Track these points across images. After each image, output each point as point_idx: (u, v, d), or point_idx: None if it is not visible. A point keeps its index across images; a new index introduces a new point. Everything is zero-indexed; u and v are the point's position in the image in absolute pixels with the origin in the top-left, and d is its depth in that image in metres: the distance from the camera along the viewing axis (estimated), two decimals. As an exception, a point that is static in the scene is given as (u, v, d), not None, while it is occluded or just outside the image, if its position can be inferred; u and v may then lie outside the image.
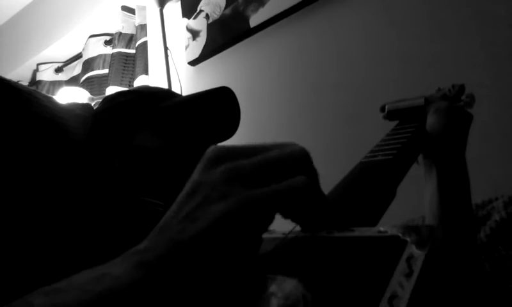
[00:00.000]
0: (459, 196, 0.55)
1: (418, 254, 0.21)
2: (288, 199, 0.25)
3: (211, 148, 0.27)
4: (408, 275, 0.19)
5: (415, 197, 0.85)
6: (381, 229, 0.24)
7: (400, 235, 0.23)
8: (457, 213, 0.54)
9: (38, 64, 2.38)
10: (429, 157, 0.58)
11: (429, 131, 0.57)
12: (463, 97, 0.65)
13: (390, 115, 0.62)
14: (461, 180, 0.56)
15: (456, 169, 0.56)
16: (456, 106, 0.60)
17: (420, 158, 0.60)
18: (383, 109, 0.64)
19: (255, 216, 0.23)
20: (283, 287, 0.22)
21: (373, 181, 0.39)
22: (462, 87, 0.65)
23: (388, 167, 0.42)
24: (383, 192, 0.38)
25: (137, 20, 1.98)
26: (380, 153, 0.45)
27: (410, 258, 0.20)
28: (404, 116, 0.60)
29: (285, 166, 0.25)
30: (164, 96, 0.58)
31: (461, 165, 0.57)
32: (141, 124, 0.53)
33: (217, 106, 0.59)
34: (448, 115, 0.57)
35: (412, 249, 0.21)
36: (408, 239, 0.22)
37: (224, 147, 0.27)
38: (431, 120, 0.57)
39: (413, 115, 0.59)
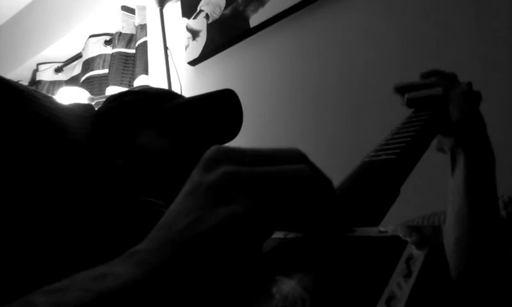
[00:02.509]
0: (490, 181, 0.57)
1: (418, 254, 0.20)
2: (291, 220, 0.25)
3: (211, 148, 0.26)
4: (407, 276, 0.19)
5: (417, 197, 0.85)
6: (382, 229, 0.24)
7: (400, 235, 0.22)
8: (489, 201, 0.56)
9: (38, 64, 2.38)
10: (458, 145, 0.58)
11: (455, 117, 0.57)
12: None
13: (408, 103, 0.61)
14: (491, 161, 0.58)
15: (486, 151, 0.58)
16: (471, 91, 0.60)
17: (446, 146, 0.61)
18: (398, 90, 0.63)
19: (256, 227, 0.23)
20: (281, 288, 0.22)
21: (376, 181, 0.39)
22: (469, 85, 0.65)
23: (391, 166, 0.41)
24: (386, 191, 0.38)
25: (137, 20, 1.98)
26: (383, 152, 0.45)
27: (410, 259, 0.20)
28: (422, 105, 0.59)
29: (286, 185, 0.25)
30: (167, 97, 0.58)
31: (489, 146, 0.59)
32: (144, 124, 0.53)
33: (221, 108, 0.59)
34: (470, 100, 0.58)
35: (412, 250, 0.21)
36: (408, 239, 0.22)
37: (224, 148, 0.26)
38: (455, 107, 0.57)
39: (431, 104, 0.59)
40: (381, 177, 0.39)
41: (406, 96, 0.61)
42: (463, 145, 0.58)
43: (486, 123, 0.60)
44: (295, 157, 0.27)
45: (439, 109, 0.57)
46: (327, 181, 0.27)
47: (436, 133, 0.57)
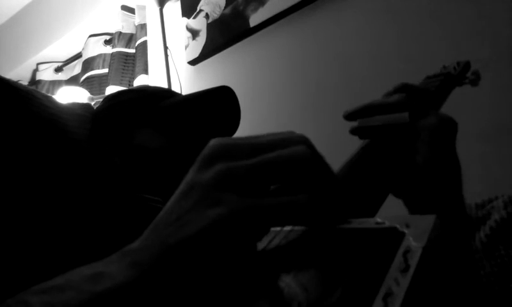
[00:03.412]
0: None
1: (416, 247, 0.20)
2: (282, 217, 0.24)
3: (209, 143, 0.26)
4: (404, 270, 0.19)
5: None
6: (379, 220, 0.23)
7: (397, 226, 0.22)
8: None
9: (38, 64, 2.38)
10: (420, 200, 0.42)
11: (422, 159, 0.41)
12: (468, 74, 0.61)
13: (358, 132, 0.44)
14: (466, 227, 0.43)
15: (460, 215, 0.42)
16: (450, 122, 0.44)
17: None
18: (349, 117, 0.46)
19: (245, 227, 0.23)
20: (277, 285, 0.22)
21: (374, 167, 0.38)
22: (467, 65, 0.61)
23: (388, 152, 0.40)
24: (384, 177, 0.37)
25: (137, 19, 1.98)
26: (371, 141, 0.44)
27: (407, 252, 0.20)
28: (378, 135, 0.42)
29: (283, 170, 0.24)
30: (164, 95, 0.58)
31: (464, 208, 0.42)
32: (141, 122, 0.53)
33: (218, 105, 0.59)
34: (446, 135, 0.42)
35: (409, 242, 0.20)
36: (406, 231, 0.21)
37: (221, 143, 0.26)
38: (424, 144, 0.41)
39: (390, 135, 0.42)
40: (378, 163, 0.39)
41: (358, 123, 0.46)
42: (428, 202, 0.41)
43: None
44: (295, 141, 0.26)
45: (399, 143, 0.42)
46: (329, 169, 0.26)
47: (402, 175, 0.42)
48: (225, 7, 1.63)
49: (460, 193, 0.43)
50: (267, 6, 1.49)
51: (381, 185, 0.36)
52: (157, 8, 1.86)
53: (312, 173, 0.25)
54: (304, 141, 0.26)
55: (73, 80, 2.29)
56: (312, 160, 0.25)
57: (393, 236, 0.21)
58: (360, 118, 0.45)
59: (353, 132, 0.46)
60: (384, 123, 0.42)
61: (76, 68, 2.31)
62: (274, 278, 0.22)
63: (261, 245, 0.26)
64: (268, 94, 1.51)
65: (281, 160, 0.24)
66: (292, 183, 0.25)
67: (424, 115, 0.43)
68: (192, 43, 1.70)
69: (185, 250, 0.22)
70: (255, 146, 0.26)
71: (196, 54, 1.68)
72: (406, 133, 0.42)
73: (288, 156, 0.24)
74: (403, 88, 0.46)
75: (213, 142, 0.26)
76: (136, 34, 1.98)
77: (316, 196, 0.25)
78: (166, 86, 1.73)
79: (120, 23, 2.04)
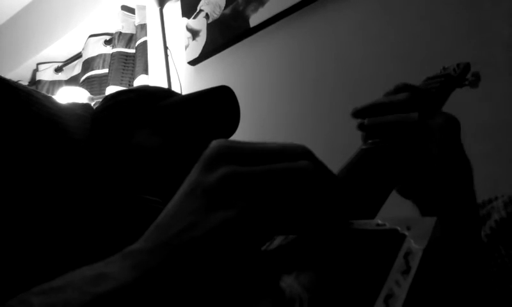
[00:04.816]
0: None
1: (416, 249, 0.20)
2: (289, 224, 0.24)
3: (213, 144, 0.26)
4: (405, 272, 0.19)
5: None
6: (380, 222, 0.23)
7: (398, 228, 0.22)
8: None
9: (38, 64, 2.38)
10: (433, 200, 0.43)
11: (434, 158, 0.42)
12: (468, 76, 0.61)
13: (367, 129, 0.45)
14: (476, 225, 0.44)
15: (471, 212, 0.43)
16: (456, 121, 0.45)
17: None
18: (357, 115, 0.46)
19: (252, 231, 0.23)
20: (279, 285, 0.22)
21: (374, 168, 0.38)
22: (467, 66, 0.61)
23: (389, 154, 0.41)
24: (385, 179, 0.37)
25: (137, 19, 1.98)
26: (380, 139, 0.44)
27: (408, 254, 0.20)
28: (387, 133, 0.43)
29: (289, 182, 0.24)
30: (163, 95, 0.57)
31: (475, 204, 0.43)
32: (140, 122, 0.53)
33: (217, 105, 0.58)
34: (454, 135, 0.43)
35: (410, 244, 0.20)
36: (407, 233, 0.21)
37: (225, 145, 0.26)
38: (435, 144, 0.42)
39: (399, 133, 0.43)
40: (378, 164, 0.39)
41: (367, 121, 0.46)
42: (440, 200, 0.42)
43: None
44: (299, 153, 0.26)
45: (406, 143, 0.42)
46: (332, 177, 0.27)
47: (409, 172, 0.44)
48: (225, 8, 1.63)
49: (471, 189, 0.44)
50: (267, 6, 1.49)
51: (382, 186, 0.36)
52: (157, 8, 1.87)
53: (316, 188, 0.25)
54: (307, 153, 0.26)
55: (73, 81, 2.29)
56: (316, 175, 0.25)
57: (394, 238, 0.21)
58: (369, 116, 0.46)
59: (361, 128, 0.46)
60: (393, 122, 0.43)
61: (76, 68, 2.31)
62: (276, 279, 0.22)
63: (263, 245, 0.26)
64: (268, 95, 1.51)
65: (288, 172, 0.24)
66: (295, 195, 0.25)
67: (431, 115, 0.44)
68: (192, 43, 1.70)
69: (190, 252, 0.22)
70: (260, 152, 0.26)
71: (196, 54, 1.68)
72: (415, 133, 0.42)
73: (294, 169, 0.24)
74: (404, 88, 0.47)
75: (216, 143, 0.26)
76: (136, 34, 1.98)
77: (319, 206, 0.25)
78: (166, 86, 1.73)
79: (120, 24, 2.04)
